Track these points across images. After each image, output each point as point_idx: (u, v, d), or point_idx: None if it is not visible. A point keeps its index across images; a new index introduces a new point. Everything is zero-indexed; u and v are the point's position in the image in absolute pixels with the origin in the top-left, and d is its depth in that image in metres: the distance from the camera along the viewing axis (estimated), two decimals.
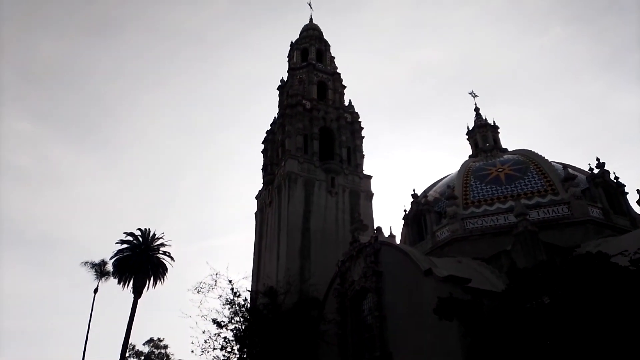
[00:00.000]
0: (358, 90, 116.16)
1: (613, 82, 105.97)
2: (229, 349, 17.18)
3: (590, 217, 23.01)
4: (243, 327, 17.36)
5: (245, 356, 16.81)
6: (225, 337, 17.49)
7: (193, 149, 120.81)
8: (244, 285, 21.52)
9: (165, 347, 55.62)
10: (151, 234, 38.62)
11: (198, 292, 20.40)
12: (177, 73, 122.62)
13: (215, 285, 19.74)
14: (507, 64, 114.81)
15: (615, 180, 25.95)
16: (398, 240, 29.84)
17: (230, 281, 19.64)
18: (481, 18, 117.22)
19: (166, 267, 37.23)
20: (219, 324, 18.25)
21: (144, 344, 53.65)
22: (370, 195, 35.80)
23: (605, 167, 26.03)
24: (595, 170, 25.84)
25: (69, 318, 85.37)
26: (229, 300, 18.27)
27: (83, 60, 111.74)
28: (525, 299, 11.38)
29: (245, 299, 17.94)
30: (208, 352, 18.40)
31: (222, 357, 17.10)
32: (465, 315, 12.64)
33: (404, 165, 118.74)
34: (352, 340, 22.99)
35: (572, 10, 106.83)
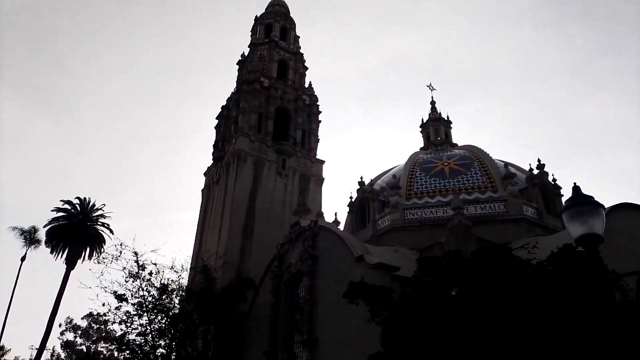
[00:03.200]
0: (325, 75, 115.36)
1: (576, 89, 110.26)
2: (128, 323, 16.57)
3: (524, 216, 23.63)
4: (149, 301, 16.74)
5: (148, 331, 16.25)
6: (127, 311, 16.84)
7: (153, 119, 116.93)
8: (182, 261, 20.60)
9: (106, 322, 54.24)
10: (90, 203, 37.07)
11: (98, 262, 19.45)
12: (141, 40, 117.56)
13: (120, 256, 18.88)
14: (476, 62, 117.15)
15: (552, 182, 26.77)
16: (342, 227, 29.88)
17: (136, 253, 18.95)
18: (456, 14, 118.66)
19: (104, 239, 35.88)
20: (119, 297, 17.53)
21: (82, 318, 51.85)
22: (320, 180, 35.57)
23: (545, 169, 26.80)
24: (535, 171, 26.54)
25: None
26: (133, 273, 17.55)
27: (44, 19, 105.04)
28: (431, 286, 11.51)
29: (151, 272, 17.30)
30: (106, 325, 17.70)
31: (120, 331, 16.50)
32: (374, 300, 12.67)
33: (360, 153, 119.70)
34: (284, 323, 22.89)
35: (545, 15, 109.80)
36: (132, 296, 17.10)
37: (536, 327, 9.66)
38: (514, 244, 21.62)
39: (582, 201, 6.05)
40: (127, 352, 16.38)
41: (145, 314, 16.85)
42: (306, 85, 40.49)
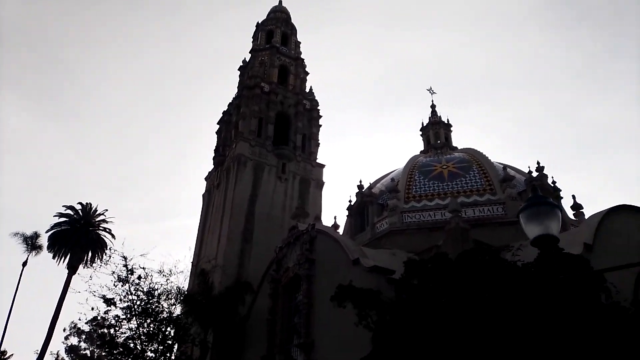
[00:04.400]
0: (327, 79, 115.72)
1: (582, 92, 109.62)
2: (117, 327, 16.60)
3: None
4: (138, 305, 16.78)
5: (137, 334, 16.28)
6: (116, 315, 16.90)
7: (158, 124, 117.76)
8: (171, 265, 20.58)
9: (110, 327, 54.40)
10: (92, 209, 37.33)
11: (87, 267, 19.35)
12: (145, 46, 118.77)
13: (109, 260, 18.92)
14: (481, 65, 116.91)
15: (552, 185, 26.59)
16: (342, 231, 29.86)
17: (125, 257, 19.01)
18: (460, 16, 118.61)
19: (106, 244, 36.06)
20: (108, 301, 17.61)
21: (86, 323, 52.05)
22: (321, 184, 35.60)
23: (547, 172, 26.64)
24: (535, 174, 26.39)
25: None
26: (122, 277, 17.62)
27: (51, 25, 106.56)
28: (418, 289, 11.48)
29: (140, 277, 17.37)
30: (95, 330, 17.76)
31: (108, 336, 16.50)
32: (362, 303, 12.63)
33: (361, 156, 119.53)
34: (282, 327, 22.85)
35: (549, 17, 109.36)
36: (120, 300, 17.16)
37: (521, 328, 9.60)
38: (513, 246, 21.56)
39: (538, 202, 6.02)
40: (117, 355, 16.41)
41: (134, 317, 16.89)
42: (307, 90, 40.65)
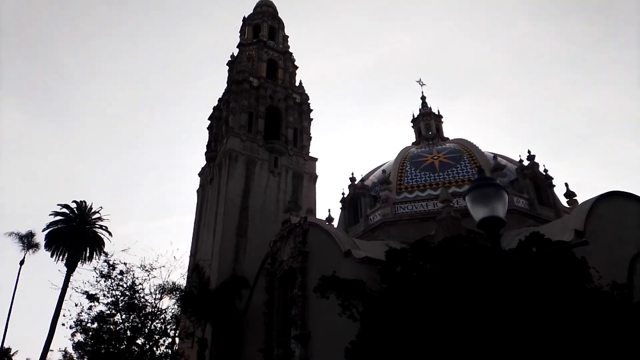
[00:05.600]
0: (318, 73, 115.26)
1: (574, 81, 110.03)
2: (102, 323, 16.75)
3: (514, 207, 23.73)
4: (122, 300, 16.94)
5: (122, 329, 16.45)
6: (100, 311, 17.04)
7: (154, 121, 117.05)
8: (164, 260, 20.58)
9: (115, 323, 54.55)
10: (88, 207, 37.30)
11: (85, 264, 19.37)
12: (138, 43, 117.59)
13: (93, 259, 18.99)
14: (472, 56, 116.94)
15: (544, 173, 26.88)
16: (336, 223, 30.05)
17: (106, 254, 19.12)
18: (450, 8, 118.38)
19: (103, 241, 36.13)
20: (91, 297, 17.74)
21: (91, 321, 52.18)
22: (314, 178, 35.70)
23: (538, 160, 26.91)
24: (526, 162, 26.66)
25: None
26: (104, 273, 17.74)
27: (43, 24, 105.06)
28: (400, 278, 11.76)
29: (122, 272, 17.48)
30: (79, 325, 17.89)
31: (92, 332, 16.64)
32: (346, 293, 12.88)
33: (354, 149, 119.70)
34: (279, 319, 23.10)
35: (539, 7, 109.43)
36: (104, 295, 17.31)
37: (499, 313, 9.86)
38: (505, 235, 21.84)
39: (484, 184, 5.79)
40: (103, 349, 16.56)
41: (118, 312, 17.04)
42: (296, 83, 40.55)
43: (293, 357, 20.59)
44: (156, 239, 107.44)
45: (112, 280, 17.43)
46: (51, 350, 32.16)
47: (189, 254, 33.17)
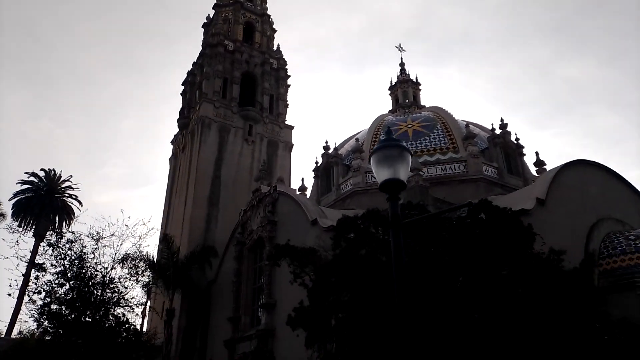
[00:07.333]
0: (299, 38, 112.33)
1: (560, 49, 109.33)
2: (50, 293, 16.46)
3: (483, 176, 23.69)
4: (70, 269, 16.61)
5: (72, 299, 16.21)
6: (48, 281, 16.72)
7: (131, 87, 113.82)
8: (115, 228, 19.89)
9: (66, 293, 54.26)
10: (57, 175, 36.38)
11: (13, 232, 18.91)
12: (113, 5, 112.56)
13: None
14: (459, 22, 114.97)
15: (515, 142, 26.75)
16: (309, 192, 29.78)
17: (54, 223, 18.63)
18: None
19: (73, 211, 35.46)
20: (36, 266, 17.40)
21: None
22: (290, 146, 35.18)
23: (508, 128, 26.72)
24: (498, 131, 26.45)
25: None
26: (51, 242, 17.36)
27: None
28: (350, 245, 11.68)
29: (70, 241, 17.10)
30: (27, 295, 17.60)
31: (40, 302, 16.41)
32: (299, 261, 12.77)
33: (332, 117, 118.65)
34: (247, 288, 23.11)
35: None
36: (52, 265, 16.92)
37: (449, 280, 9.82)
38: (472, 202, 21.84)
39: (388, 144, 5.55)
40: (50, 323, 16.33)
41: (67, 282, 16.72)
42: (274, 48, 39.35)
43: (259, 325, 20.68)
44: (135, 208, 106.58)
45: (60, 250, 16.98)
46: (25, 322, 31.91)
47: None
